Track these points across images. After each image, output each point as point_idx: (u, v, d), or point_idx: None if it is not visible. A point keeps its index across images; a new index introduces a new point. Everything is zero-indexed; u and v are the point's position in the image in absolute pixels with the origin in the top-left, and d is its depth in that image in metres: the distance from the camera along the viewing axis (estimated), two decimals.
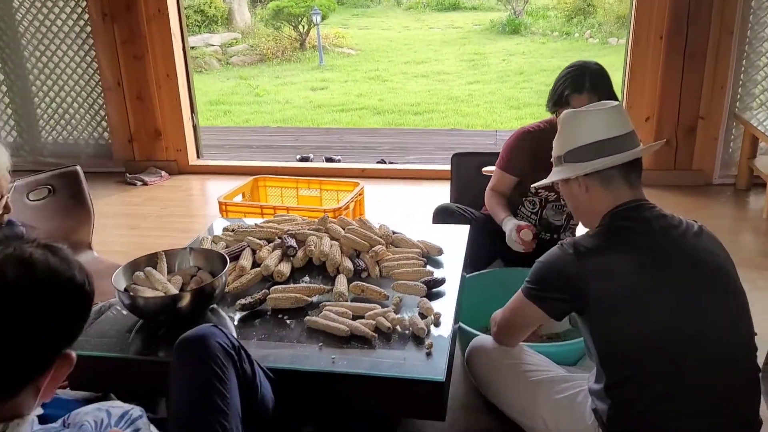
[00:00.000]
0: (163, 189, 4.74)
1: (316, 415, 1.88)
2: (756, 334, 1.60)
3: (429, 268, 2.11)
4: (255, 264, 2.15)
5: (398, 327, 1.78)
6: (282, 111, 10.12)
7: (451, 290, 2.02)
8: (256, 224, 2.42)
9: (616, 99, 2.15)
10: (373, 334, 1.74)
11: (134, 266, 1.95)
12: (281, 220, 2.51)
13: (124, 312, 1.90)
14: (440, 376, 1.59)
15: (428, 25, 18.41)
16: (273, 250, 2.19)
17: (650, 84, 4.30)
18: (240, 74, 12.92)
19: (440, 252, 2.24)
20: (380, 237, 2.25)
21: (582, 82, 2.35)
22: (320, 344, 1.73)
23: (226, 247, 2.24)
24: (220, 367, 1.39)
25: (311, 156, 5.95)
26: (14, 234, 0.93)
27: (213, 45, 14.42)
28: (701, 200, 4.16)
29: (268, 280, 2.08)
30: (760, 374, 1.59)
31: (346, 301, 1.93)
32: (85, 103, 5.02)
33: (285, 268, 2.10)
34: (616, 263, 1.54)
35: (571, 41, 14.91)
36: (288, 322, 1.85)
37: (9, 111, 5.12)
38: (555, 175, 1.73)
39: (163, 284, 1.87)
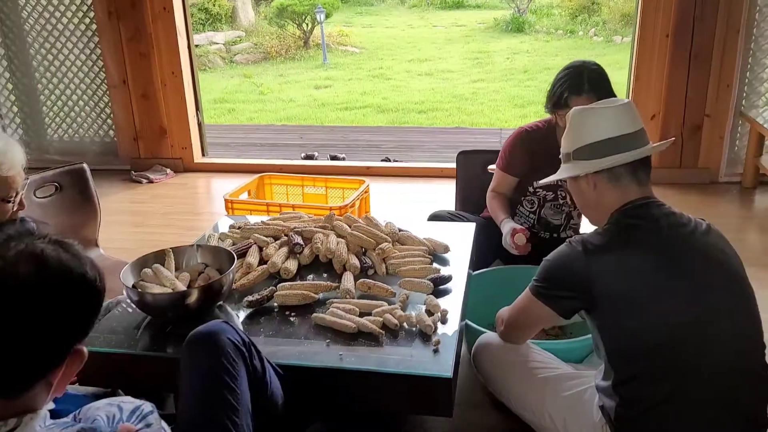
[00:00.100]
0: (169, 186, 4.75)
1: (323, 411, 1.89)
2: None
3: (435, 265, 2.12)
4: (262, 261, 2.15)
5: (405, 324, 1.79)
6: (286, 109, 10.13)
7: (457, 287, 2.03)
8: (262, 222, 2.42)
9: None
10: (381, 330, 1.74)
11: (142, 263, 1.96)
12: (287, 217, 2.51)
13: (129, 309, 1.91)
14: (448, 373, 1.60)
15: (432, 23, 18.40)
16: (280, 248, 2.20)
17: (656, 82, 4.29)
18: (244, 72, 12.92)
19: (447, 249, 2.24)
20: (387, 234, 2.25)
21: (581, 84, 2.34)
22: (328, 341, 1.74)
23: (233, 245, 2.25)
24: (230, 363, 1.39)
25: (316, 154, 5.95)
26: (26, 230, 0.93)
27: (217, 43, 14.44)
28: (707, 198, 4.15)
29: (275, 277, 2.09)
30: None
31: (353, 298, 1.93)
32: (91, 101, 5.03)
33: (292, 265, 2.10)
34: (624, 261, 1.54)
35: (575, 39, 14.89)
36: (295, 319, 1.86)
37: (15, 109, 5.13)
38: (563, 172, 1.73)
39: (171, 281, 1.87)
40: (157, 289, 1.85)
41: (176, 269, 2.00)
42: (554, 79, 2.47)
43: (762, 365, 1.57)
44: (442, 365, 1.63)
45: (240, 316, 1.90)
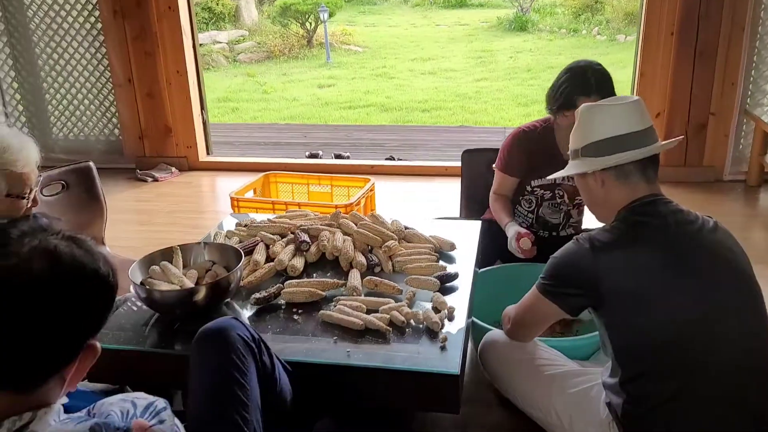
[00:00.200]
0: (174, 185, 4.76)
1: (331, 407, 1.90)
2: None
3: (441, 263, 2.12)
4: (268, 259, 2.16)
5: (412, 321, 1.79)
6: (289, 108, 10.14)
7: (464, 285, 2.03)
8: (268, 219, 2.43)
9: None
10: (388, 327, 1.75)
11: (150, 260, 1.97)
12: (293, 215, 2.51)
13: (134, 308, 1.91)
14: (455, 369, 1.60)
15: (435, 22, 18.39)
16: (286, 245, 2.20)
17: (661, 80, 4.29)
18: (247, 71, 12.93)
19: (453, 247, 2.25)
20: (393, 232, 2.25)
21: (590, 84, 2.34)
22: (335, 338, 1.74)
23: (240, 242, 2.26)
24: (240, 358, 1.40)
25: (320, 153, 5.96)
26: (39, 226, 0.94)
27: (220, 42, 14.44)
28: (712, 197, 4.15)
29: (282, 274, 2.09)
30: None
31: (360, 295, 1.93)
32: (96, 100, 5.04)
33: (298, 262, 2.11)
34: (632, 258, 1.54)
35: (578, 38, 14.86)
36: (302, 316, 1.86)
37: (20, 107, 5.15)
38: (571, 169, 1.73)
39: (179, 278, 1.88)
40: (165, 286, 1.86)
41: (184, 267, 2.01)
42: (557, 79, 2.46)
43: None
44: (450, 362, 1.63)
45: (247, 313, 1.90)
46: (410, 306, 1.87)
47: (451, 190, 3.90)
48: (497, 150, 2.90)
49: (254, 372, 1.42)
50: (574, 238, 1.63)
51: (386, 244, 2.18)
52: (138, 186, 4.74)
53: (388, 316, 1.79)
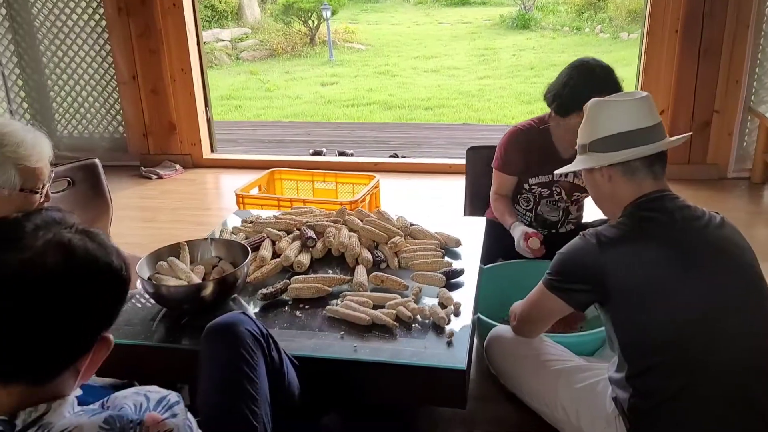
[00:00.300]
0: (178, 182, 4.77)
1: (338, 402, 1.90)
2: None
3: (447, 259, 2.13)
4: (275, 255, 2.17)
5: (419, 316, 1.80)
6: (293, 106, 10.15)
7: (469, 281, 2.04)
8: (274, 216, 2.44)
9: None
10: (394, 323, 1.75)
11: (157, 256, 1.98)
12: (299, 212, 2.52)
13: (138, 305, 1.92)
14: (461, 364, 1.61)
15: (437, 20, 18.39)
16: (292, 242, 2.21)
17: (665, 78, 4.29)
18: (250, 69, 12.95)
19: (458, 243, 2.25)
20: (398, 229, 2.26)
21: (603, 83, 2.28)
22: (342, 333, 1.75)
23: (246, 239, 2.26)
24: (249, 353, 1.41)
25: (324, 150, 5.97)
26: (52, 219, 0.94)
27: (223, 40, 14.46)
28: (716, 194, 4.15)
29: (288, 270, 2.10)
30: None
31: (366, 291, 1.94)
32: (101, 97, 5.05)
33: (305, 258, 2.12)
34: (638, 253, 1.54)
35: (581, 36, 14.86)
36: (309, 311, 1.87)
37: (25, 105, 5.16)
38: (579, 164, 1.73)
39: (187, 274, 1.89)
40: (172, 282, 1.87)
41: (191, 262, 2.02)
42: (563, 78, 2.43)
43: None
44: (456, 357, 1.64)
45: (253, 309, 1.91)
46: (416, 302, 1.88)
47: (455, 187, 3.91)
48: None
49: (263, 366, 1.43)
50: (581, 233, 1.63)
51: (392, 240, 2.18)
52: (142, 183, 4.75)
53: (394, 312, 1.80)
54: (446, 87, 11.09)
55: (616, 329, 1.61)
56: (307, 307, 1.90)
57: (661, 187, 1.64)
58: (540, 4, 17.28)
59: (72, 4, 4.82)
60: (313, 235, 2.21)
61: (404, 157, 5.60)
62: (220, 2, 15.19)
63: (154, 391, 1.01)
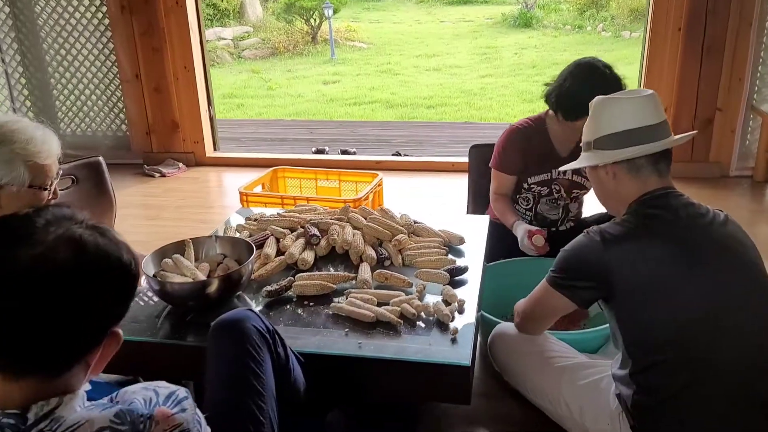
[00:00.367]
0: (181, 180, 4.78)
1: (342, 399, 1.91)
2: None
3: (451, 256, 2.13)
4: (279, 252, 2.17)
5: (423, 313, 1.81)
6: (295, 104, 10.16)
7: (473, 278, 2.04)
8: (278, 213, 2.45)
9: None
10: (399, 320, 1.76)
11: (162, 253, 1.98)
12: (303, 209, 2.53)
13: (142, 301, 1.93)
14: (466, 361, 1.61)
15: (439, 18, 18.40)
16: (297, 239, 2.22)
17: (668, 75, 4.29)
18: (252, 68, 12.96)
19: (462, 241, 2.26)
20: (402, 226, 2.27)
21: (608, 86, 2.20)
22: (346, 330, 1.76)
23: (250, 236, 2.27)
24: (256, 349, 1.42)
25: (327, 149, 5.97)
26: (63, 215, 0.95)
27: (225, 39, 14.48)
28: (718, 192, 4.16)
29: (292, 268, 2.11)
30: None
31: (370, 288, 1.95)
32: (104, 96, 5.06)
33: (309, 256, 2.12)
34: (643, 250, 1.55)
35: (583, 34, 14.86)
36: (313, 308, 1.88)
37: (28, 103, 5.17)
38: (583, 161, 1.74)
39: (192, 271, 1.90)
40: (177, 279, 1.87)
41: (195, 260, 2.03)
42: (566, 82, 2.42)
43: None
44: (461, 353, 1.64)
45: (258, 306, 1.92)
46: (420, 299, 1.88)
47: (458, 185, 3.92)
48: None
49: (269, 362, 1.44)
50: (585, 231, 1.64)
51: (396, 237, 2.19)
52: (145, 181, 4.77)
53: (398, 309, 1.80)
54: (448, 85, 11.10)
55: (620, 326, 1.61)
56: (311, 304, 1.90)
57: (666, 184, 1.64)
58: (542, 3, 17.28)
59: (75, 2, 4.84)
60: (317, 233, 2.22)
61: (407, 155, 5.61)
62: (222, 1, 15.21)
63: (163, 387, 1.02)
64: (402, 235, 2.21)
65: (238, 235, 2.28)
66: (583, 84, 2.36)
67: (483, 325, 2.19)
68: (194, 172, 4.95)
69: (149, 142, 5.05)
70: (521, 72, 11.75)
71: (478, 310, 1.93)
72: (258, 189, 3.70)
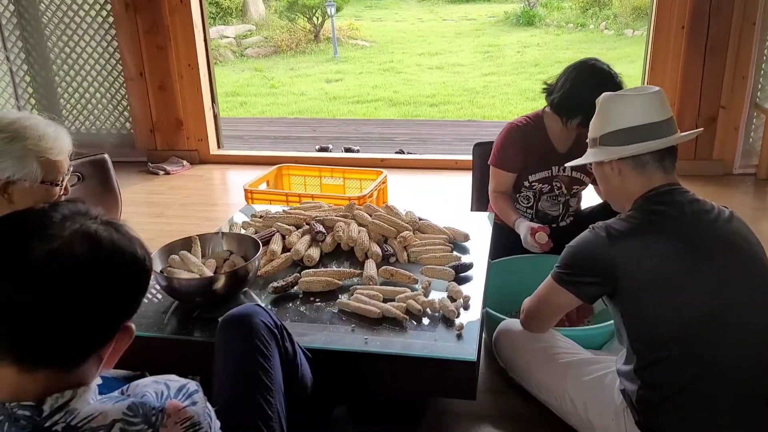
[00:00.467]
0: (185, 178, 4.79)
1: (349, 395, 1.93)
2: None
3: (455, 253, 2.14)
4: (284, 249, 2.18)
5: (428, 309, 1.82)
6: (297, 102, 10.17)
7: (478, 275, 2.05)
8: (284, 210, 2.46)
9: None
10: (405, 316, 1.77)
11: (169, 250, 2.00)
12: (308, 207, 2.54)
13: (148, 296, 1.94)
14: (471, 356, 1.63)
15: (442, 16, 18.40)
16: (302, 236, 2.23)
17: (671, 74, 4.29)
18: (255, 66, 12.97)
19: (467, 238, 2.27)
20: (407, 223, 2.28)
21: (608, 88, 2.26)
22: (353, 326, 1.77)
23: (256, 233, 2.28)
24: (264, 344, 1.43)
25: (330, 146, 5.98)
26: (78, 210, 0.96)
27: (228, 37, 14.49)
28: (722, 190, 4.16)
29: (298, 264, 2.12)
30: None
31: (376, 284, 1.96)
32: (108, 93, 5.07)
33: (315, 252, 2.14)
34: (648, 246, 1.55)
35: (586, 33, 14.84)
36: (320, 305, 1.89)
37: (33, 101, 5.19)
38: (589, 157, 1.74)
39: (199, 267, 1.91)
40: (185, 275, 1.89)
41: (202, 256, 2.04)
42: (571, 83, 2.43)
43: None
44: (466, 349, 1.66)
45: (264, 302, 1.93)
46: (426, 295, 1.89)
47: (461, 183, 3.93)
48: None
49: (277, 357, 1.45)
50: (590, 226, 1.64)
51: (401, 234, 2.20)
52: (150, 179, 4.78)
53: (404, 305, 1.81)
54: (451, 84, 11.10)
55: (624, 322, 1.62)
56: (317, 300, 1.91)
57: (671, 181, 1.65)
58: (544, 1, 17.26)
59: (79, 1, 4.84)
60: (323, 230, 2.23)
61: (410, 153, 5.61)
62: None
63: (174, 380, 1.03)
64: (407, 232, 2.22)
65: (243, 231, 2.30)
66: (583, 85, 2.38)
67: (488, 322, 2.20)
68: (198, 169, 4.97)
69: (153, 140, 5.06)
70: (524, 70, 11.74)
71: (484, 307, 1.94)
72: (263, 186, 3.71)
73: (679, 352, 1.54)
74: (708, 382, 1.53)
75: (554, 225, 2.70)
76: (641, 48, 4.60)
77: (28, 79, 5.14)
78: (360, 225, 2.29)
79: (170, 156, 5.00)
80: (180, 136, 5.02)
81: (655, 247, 1.55)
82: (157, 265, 1.92)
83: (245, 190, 3.50)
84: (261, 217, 2.41)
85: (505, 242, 2.55)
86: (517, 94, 10.15)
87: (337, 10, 14.50)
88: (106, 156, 2.95)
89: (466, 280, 2.02)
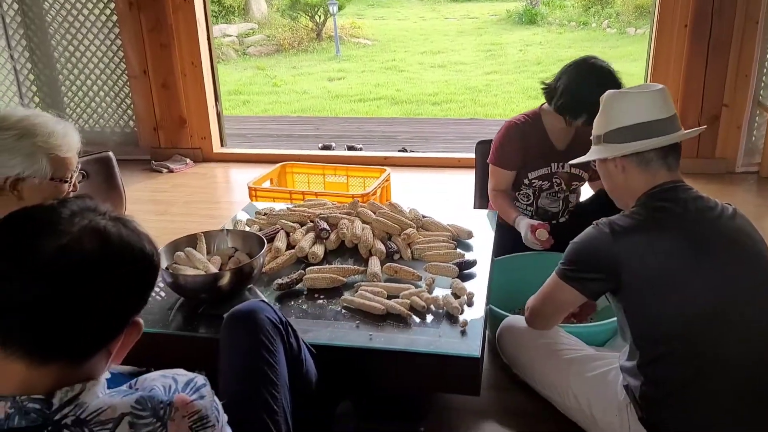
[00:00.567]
0: (189, 176, 4.80)
1: (353, 391, 1.93)
2: None
3: (459, 250, 2.15)
4: (289, 246, 2.19)
5: (432, 306, 1.83)
6: (300, 101, 10.18)
7: (482, 272, 2.06)
8: (288, 208, 2.47)
9: None
10: (409, 312, 1.78)
11: (174, 247, 2.01)
12: (312, 204, 2.55)
13: (154, 291, 1.95)
14: (475, 352, 1.64)
15: (444, 15, 18.39)
16: (306, 233, 2.24)
17: (674, 72, 4.30)
18: (257, 64, 12.98)
19: (470, 235, 2.28)
20: (411, 220, 2.29)
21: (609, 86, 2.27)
22: (357, 322, 1.78)
23: (260, 230, 2.29)
24: (269, 339, 1.44)
25: (333, 144, 5.99)
26: (87, 206, 0.97)
27: (230, 35, 14.50)
28: (724, 188, 4.16)
29: (302, 261, 2.13)
30: None
31: (380, 281, 1.97)
32: (111, 92, 5.08)
33: (319, 249, 2.14)
34: (652, 242, 1.56)
35: (588, 31, 14.83)
36: (324, 301, 1.90)
37: (36, 99, 5.20)
38: (593, 154, 1.75)
39: (204, 263, 1.92)
40: (190, 272, 1.90)
41: (207, 253, 2.05)
42: (574, 83, 2.43)
43: None
44: (470, 345, 1.66)
45: (270, 298, 1.94)
46: (430, 292, 1.90)
47: (464, 181, 3.94)
48: None
49: (282, 352, 1.46)
50: (594, 223, 1.65)
51: (405, 231, 2.21)
52: (153, 177, 4.79)
53: (408, 302, 1.82)
54: (453, 82, 11.10)
55: (628, 318, 1.62)
56: (322, 297, 1.92)
57: (675, 178, 1.65)
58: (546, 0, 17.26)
59: None
60: (327, 227, 2.24)
61: (413, 151, 5.62)
62: None
63: (182, 374, 1.04)
64: (411, 229, 2.23)
65: (248, 229, 2.31)
66: (584, 84, 2.39)
67: (491, 319, 2.21)
68: (201, 167, 4.97)
69: (157, 138, 5.07)
70: (526, 69, 11.74)
71: (487, 303, 1.94)
72: (266, 184, 3.72)
73: (682, 349, 1.55)
74: (710, 379, 1.53)
75: (554, 221, 2.71)
76: (643, 46, 4.59)
77: (32, 77, 5.15)
78: (364, 222, 2.30)
79: (173, 154, 5.01)
80: (183, 134, 5.03)
81: (659, 244, 1.55)
82: (163, 262, 1.93)
83: (249, 188, 3.51)
84: (265, 214, 2.42)
85: (507, 240, 2.56)
86: (519, 93, 10.15)
87: (340, 8, 14.52)
88: (111, 154, 2.97)
89: (470, 277, 2.03)
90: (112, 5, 4.81)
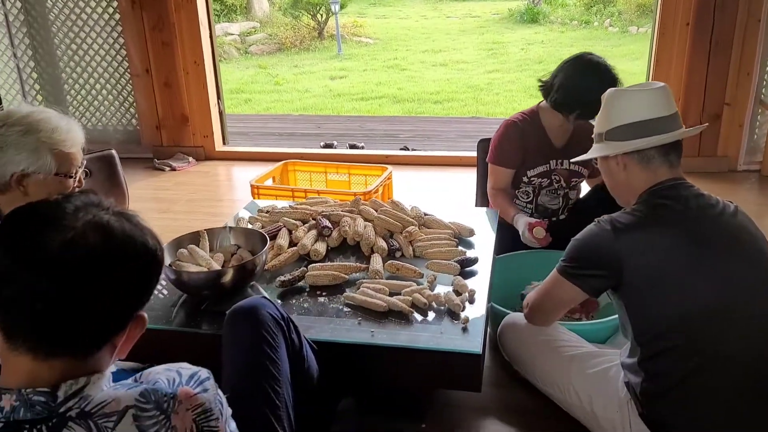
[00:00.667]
0: (191, 174, 4.81)
1: (354, 388, 1.94)
2: None
3: (461, 248, 2.16)
4: (291, 244, 2.20)
5: (434, 303, 1.84)
6: (302, 99, 10.18)
7: (483, 269, 2.07)
8: (290, 206, 2.48)
9: None
10: (410, 309, 1.79)
11: (177, 244, 2.02)
12: (314, 202, 2.56)
13: (158, 288, 1.96)
14: (477, 349, 1.65)
15: (446, 14, 18.37)
16: (308, 231, 2.25)
17: (676, 70, 4.30)
18: (259, 63, 12.98)
19: (472, 233, 2.28)
20: (412, 218, 2.29)
21: (609, 84, 2.26)
22: (359, 319, 1.79)
23: (262, 228, 2.30)
24: (271, 334, 1.45)
25: (335, 143, 6.00)
26: (91, 201, 0.98)
27: (232, 34, 14.50)
28: (726, 186, 4.16)
29: (305, 258, 2.14)
30: None
31: (382, 278, 1.98)
32: (114, 90, 5.09)
33: (321, 247, 2.15)
34: (653, 239, 1.56)
35: (590, 30, 14.81)
36: (326, 298, 1.91)
37: (39, 98, 5.21)
38: (595, 152, 1.76)
39: (207, 260, 1.93)
40: (193, 269, 1.91)
41: (210, 250, 2.06)
42: (570, 78, 2.45)
43: None
44: (472, 342, 1.67)
45: (272, 295, 1.95)
46: (431, 289, 1.91)
47: (466, 179, 3.94)
48: None
49: (284, 348, 1.47)
50: (595, 220, 1.65)
51: (407, 229, 2.22)
52: (156, 175, 4.80)
53: (410, 298, 1.83)
54: (455, 81, 11.09)
55: (629, 315, 1.63)
56: (324, 294, 1.93)
57: (676, 175, 1.66)
58: None
59: None
60: (329, 225, 2.25)
61: (415, 149, 5.62)
62: None
63: (186, 368, 1.05)
64: (413, 226, 2.23)
65: (251, 226, 2.32)
66: (580, 79, 2.41)
67: (492, 316, 2.21)
68: (204, 165, 4.98)
69: (159, 136, 5.08)
70: (528, 67, 11.72)
71: (489, 300, 1.95)
72: (269, 182, 3.73)
73: (683, 345, 1.55)
74: (710, 375, 1.54)
75: (554, 218, 2.72)
76: (645, 45, 4.60)
77: (35, 75, 5.16)
78: (366, 220, 2.31)
79: (176, 152, 5.02)
80: (186, 133, 5.04)
81: (660, 241, 1.56)
82: (166, 259, 1.94)
83: (252, 186, 3.52)
84: (267, 212, 2.43)
85: (507, 238, 2.57)
86: (520, 91, 10.14)
87: (341, 7, 14.50)
88: (113, 152, 2.98)
89: (472, 274, 2.04)
90: (115, 3, 4.82)
